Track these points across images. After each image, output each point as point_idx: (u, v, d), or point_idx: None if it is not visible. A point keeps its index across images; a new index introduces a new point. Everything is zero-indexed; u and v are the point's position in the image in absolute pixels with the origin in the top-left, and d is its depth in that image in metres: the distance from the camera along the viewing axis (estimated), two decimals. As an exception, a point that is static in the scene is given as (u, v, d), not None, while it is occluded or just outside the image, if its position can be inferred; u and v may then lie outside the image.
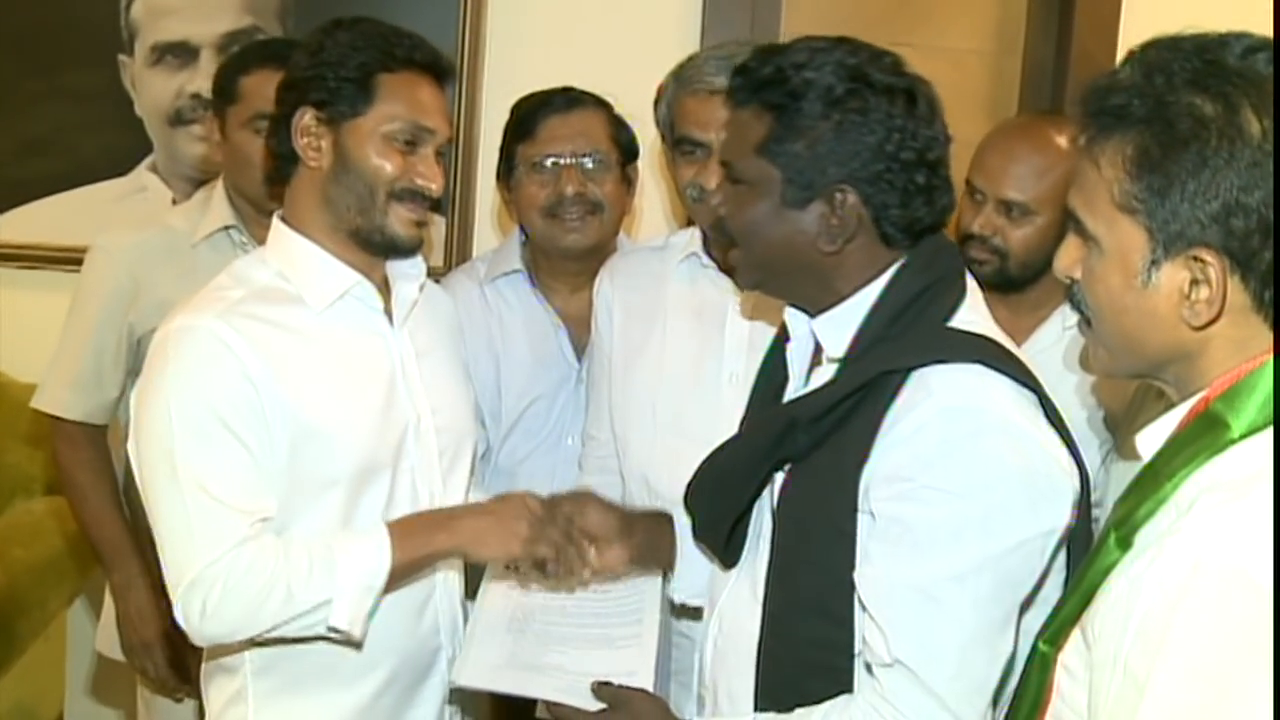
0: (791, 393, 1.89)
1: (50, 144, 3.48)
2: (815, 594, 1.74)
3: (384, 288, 2.12)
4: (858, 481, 1.69)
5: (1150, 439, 1.42)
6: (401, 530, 1.99)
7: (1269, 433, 1.30)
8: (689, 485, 1.97)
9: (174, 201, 3.46)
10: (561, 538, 2.06)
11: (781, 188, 1.75)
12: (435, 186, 2.03)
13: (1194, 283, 1.35)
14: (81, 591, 3.37)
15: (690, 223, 2.51)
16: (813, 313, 1.82)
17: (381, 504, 2.05)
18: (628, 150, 2.68)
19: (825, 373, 1.81)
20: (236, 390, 1.91)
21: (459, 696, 2.20)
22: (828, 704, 1.73)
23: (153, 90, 3.47)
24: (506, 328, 2.70)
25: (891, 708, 1.66)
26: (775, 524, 1.82)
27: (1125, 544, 1.33)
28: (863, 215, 1.74)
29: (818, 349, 1.86)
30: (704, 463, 1.94)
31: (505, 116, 2.71)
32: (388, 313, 2.11)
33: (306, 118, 2.00)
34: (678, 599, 2.15)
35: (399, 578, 1.99)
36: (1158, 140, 1.34)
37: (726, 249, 2.01)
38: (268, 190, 2.15)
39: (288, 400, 1.94)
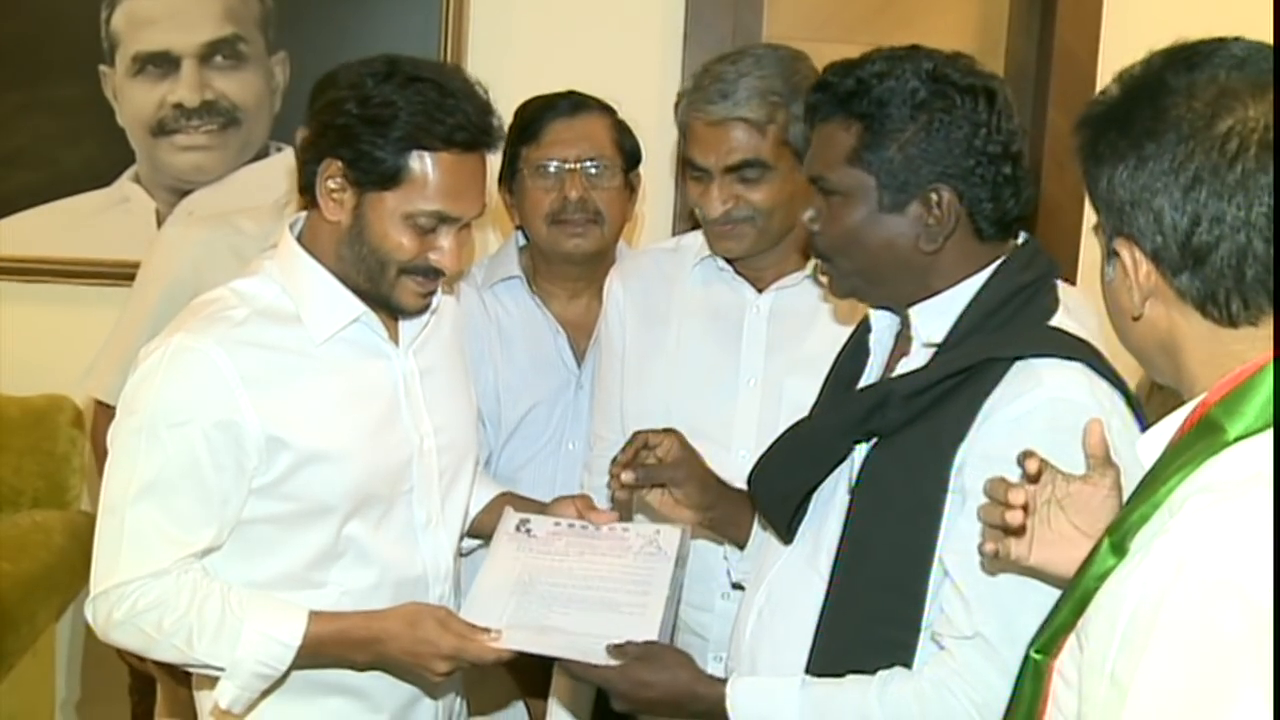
0: (868, 380, 1.93)
1: (31, 155, 3.47)
2: (891, 567, 1.77)
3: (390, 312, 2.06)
4: (952, 459, 1.73)
5: (1150, 445, 1.41)
6: (321, 634, 1.95)
7: (1267, 435, 1.29)
8: (757, 463, 2.00)
9: (157, 212, 3.45)
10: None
11: (878, 194, 1.80)
12: (450, 267, 1.98)
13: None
14: (70, 605, 3.36)
15: (697, 226, 2.50)
16: (905, 306, 1.87)
17: (372, 527, 2.03)
18: (631, 157, 2.67)
19: (915, 360, 1.84)
20: (216, 419, 1.89)
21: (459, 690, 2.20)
22: (885, 672, 1.75)
23: (134, 101, 3.45)
24: (505, 333, 2.69)
25: (962, 680, 1.69)
26: (853, 498, 1.85)
27: (1120, 550, 1.31)
28: (959, 211, 1.80)
29: (898, 341, 1.91)
30: (777, 440, 1.98)
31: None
32: (392, 333, 2.07)
33: (332, 169, 1.93)
34: (734, 577, 2.18)
35: (299, 668, 1.97)
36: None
37: (818, 264, 2.02)
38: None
39: (282, 427, 1.92)
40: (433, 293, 2.04)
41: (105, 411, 2.76)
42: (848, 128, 1.81)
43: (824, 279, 1.97)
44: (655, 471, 2.13)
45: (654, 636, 1.96)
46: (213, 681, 2.01)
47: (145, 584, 1.91)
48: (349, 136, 1.91)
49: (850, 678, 1.77)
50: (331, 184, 1.94)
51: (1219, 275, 1.32)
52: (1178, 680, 1.21)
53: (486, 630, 1.95)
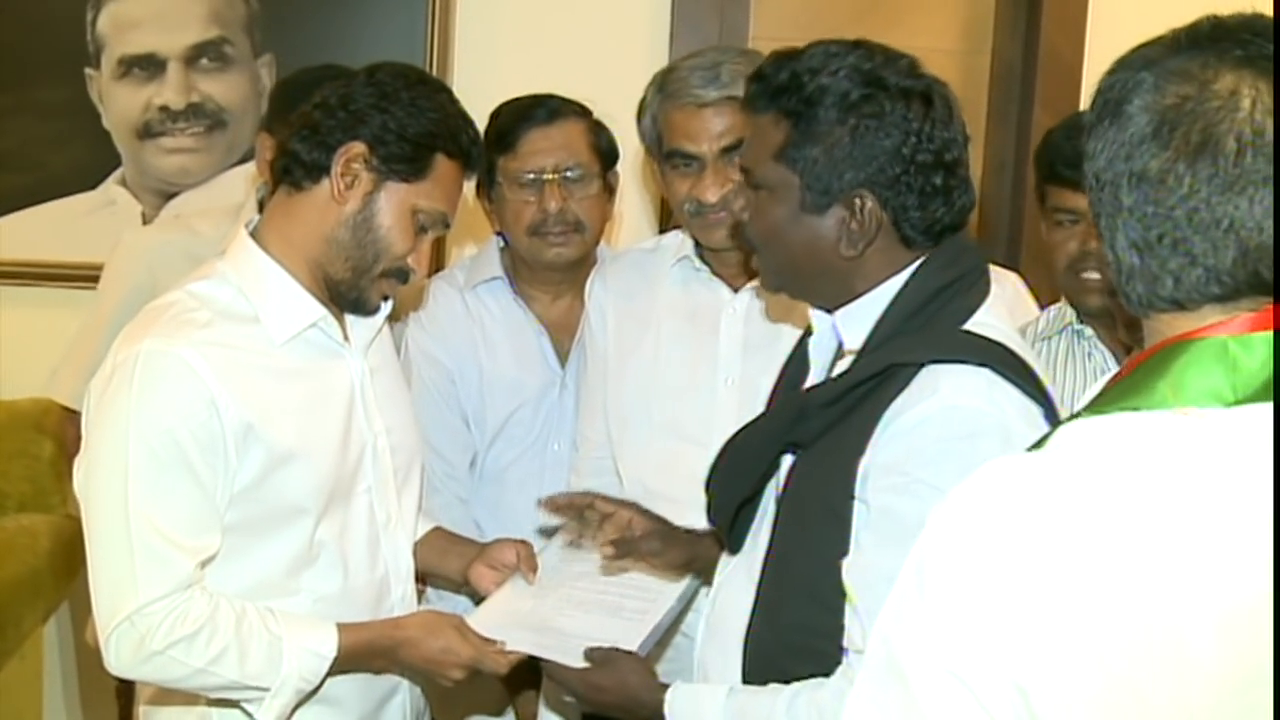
0: (810, 384, 1.91)
1: (17, 159, 3.46)
2: (807, 578, 1.76)
3: (339, 313, 2.08)
4: (855, 469, 1.70)
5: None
6: (349, 644, 1.97)
7: (1136, 415, 1.19)
8: (710, 469, 1.98)
9: (143, 215, 3.45)
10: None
11: (800, 194, 1.76)
12: (421, 269, 2.04)
13: None
14: (56, 609, 3.35)
15: (678, 225, 2.50)
16: (832, 308, 1.84)
17: (338, 530, 2.02)
18: (608, 157, 2.66)
19: (845, 365, 1.83)
20: (200, 422, 1.87)
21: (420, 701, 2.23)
22: (798, 684, 1.74)
23: (120, 103, 3.45)
24: (489, 334, 2.69)
25: None
26: (778, 508, 1.84)
27: None
28: (882, 219, 1.75)
29: (839, 345, 1.88)
30: (724, 446, 1.96)
31: (475, 120, 2.69)
32: (344, 334, 2.08)
33: (356, 150, 1.95)
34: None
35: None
36: None
37: (749, 254, 2.02)
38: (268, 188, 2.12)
39: (257, 428, 1.91)
40: (389, 298, 2.08)
41: (71, 417, 2.76)
42: (778, 123, 1.76)
43: (755, 268, 1.95)
44: (633, 545, 2.14)
45: (633, 648, 2.00)
46: (174, 698, 2.00)
47: (175, 602, 1.85)
48: (379, 121, 1.94)
49: (771, 686, 1.77)
50: (354, 165, 1.95)
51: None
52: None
53: (493, 642, 2.02)
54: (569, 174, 2.59)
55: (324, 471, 1.98)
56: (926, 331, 1.74)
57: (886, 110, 1.72)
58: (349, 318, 2.08)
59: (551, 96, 2.64)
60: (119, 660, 1.88)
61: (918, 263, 1.78)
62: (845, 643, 1.71)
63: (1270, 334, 1.20)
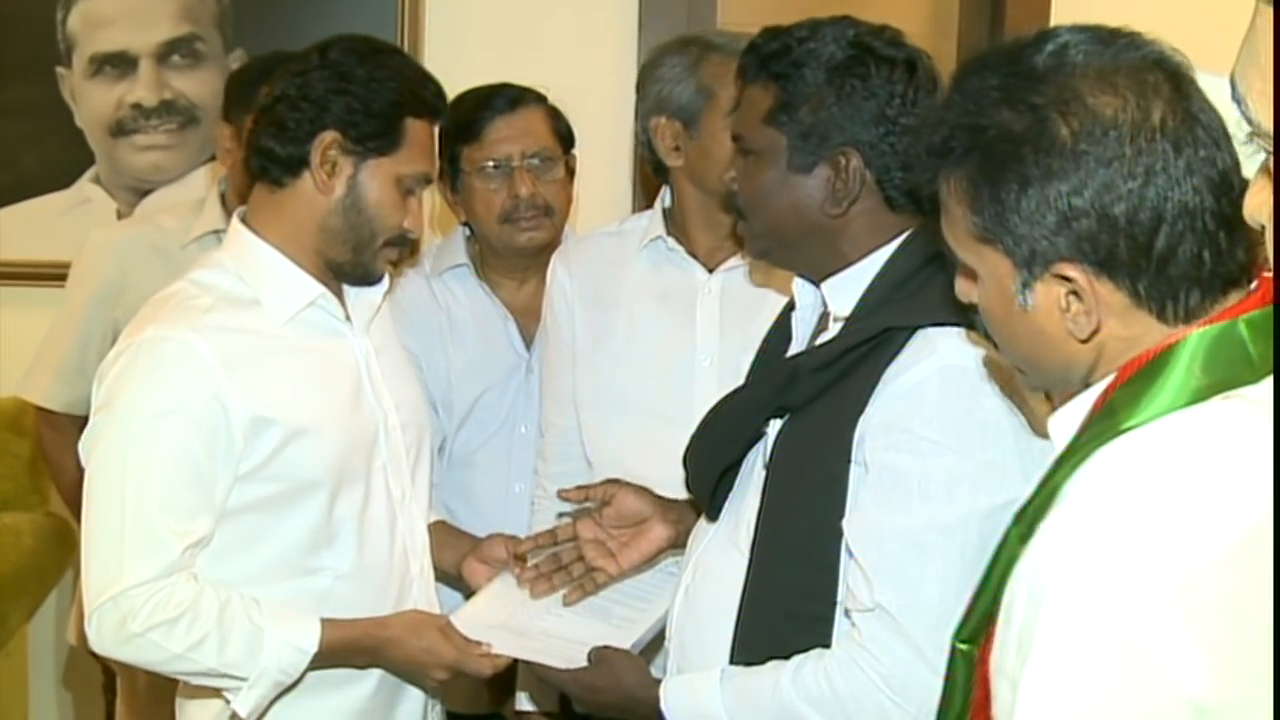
0: (794, 352, 1.94)
1: (-10, 159, 3.46)
2: (803, 540, 1.79)
3: (338, 291, 2.11)
4: (853, 431, 1.74)
5: (1061, 425, 1.38)
6: (332, 640, 1.98)
7: (1168, 421, 1.25)
8: (690, 440, 2.01)
9: (118, 212, 3.45)
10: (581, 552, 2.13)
11: (788, 154, 1.81)
12: (420, 229, 2.07)
13: (1069, 295, 1.32)
14: (41, 606, 3.35)
15: (648, 207, 2.51)
16: (819, 278, 1.88)
17: (358, 506, 2.04)
18: (567, 140, 2.70)
19: (830, 335, 1.86)
20: (204, 407, 1.89)
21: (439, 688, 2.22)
22: (799, 656, 1.76)
23: (92, 101, 3.44)
24: (455, 321, 2.72)
25: (868, 654, 1.69)
26: (768, 473, 1.86)
27: (1025, 538, 1.27)
28: (866, 178, 1.80)
29: (822, 318, 1.92)
30: (705, 416, 1.99)
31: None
32: (345, 313, 2.11)
33: (329, 139, 1.97)
34: None
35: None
36: (981, 170, 1.33)
37: (735, 222, 2.04)
38: (242, 187, 2.14)
39: (266, 409, 1.93)
40: (397, 263, 2.10)
41: (45, 417, 2.78)
42: (767, 88, 1.82)
43: (741, 235, 1.97)
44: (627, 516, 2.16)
45: (633, 642, 2.02)
46: (203, 691, 2.02)
47: (160, 587, 1.88)
48: (343, 105, 1.96)
49: (769, 664, 1.79)
50: (330, 153, 1.97)
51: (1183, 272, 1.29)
52: (1060, 683, 1.18)
53: (478, 644, 2.04)
54: (535, 160, 2.62)
55: (335, 445, 2.00)
56: (919, 298, 1.78)
57: (871, 73, 1.79)
58: (348, 297, 2.10)
59: (509, 85, 2.68)
60: (100, 639, 1.91)
61: (908, 232, 1.83)
62: (848, 603, 1.74)
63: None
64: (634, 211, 3.37)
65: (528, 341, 2.72)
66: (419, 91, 2.02)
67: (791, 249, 1.88)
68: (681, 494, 2.15)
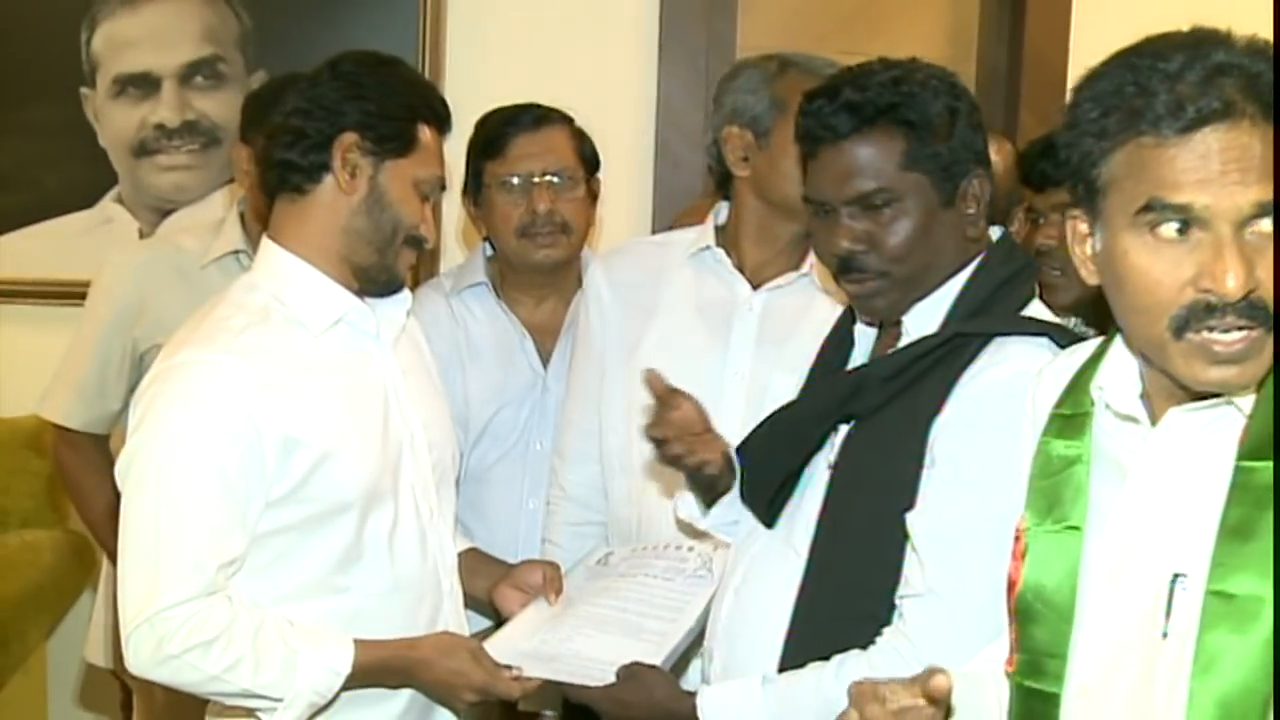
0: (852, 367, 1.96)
1: (14, 179, 3.49)
2: (867, 541, 1.81)
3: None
4: (928, 434, 1.77)
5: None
6: (364, 662, 1.98)
7: None
8: (740, 446, 2.01)
9: (140, 232, 3.47)
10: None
11: (932, 191, 1.83)
12: (433, 236, 2.10)
13: None
14: (60, 623, 3.37)
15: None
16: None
17: (388, 525, 2.04)
18: (591, 163, 2.72)
19: (901, 345, 1.88)
20: (238, 430, 1.90)
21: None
22: (841, 654, 1.78)
23: (116, 122, 3.47)
24: (473, 338, 2.74)
25: (911, 643, 1.72)
26: (833, 476, 1.88)
27: None
28: (985, 197, 1.86)
29: (881, 333, 1.94)
30: (760, 424, 2.00)
31: (466, 127, 2.73)
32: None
33: (349, 141, 1.99)
34: (703, 525, 2.12)
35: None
36: None
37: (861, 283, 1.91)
38: (260, 207, 2.15)
39: (297, 430, 1.93)
40: (415, 267, 2.13)
41: (64, 436, 2.79)
42: (890, 135, 1.82)
43: (851, 298, 1.92)
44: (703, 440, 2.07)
45: (663, 658, 2.01)
46: (234, 710, 2.01)
47: (196, 609, 1.88)
48: (360, 109, 1.99)
49: (810, 666, 1.80)
50: (350, 155, 1.99)
51: None
52: None
53: (508, 667, 2.03)
54: (556, 178, 2.64)
55: (366, 465, 2.01)
56: (992, 310, 1.83)
57: (962, 97, 1.86)
58: (375, 313, 2.10)
59: (537, 105, 2.71)
60: (137, 660, 1.91)
61: (980, 258, 1.86)
62: (901, 592, 1.76)
63: None
64: (654, 229, 3.39)
65: (545, 360, 2.74)
66: (430, 99, 2.07)
67: (917, 289, 1.86)
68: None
